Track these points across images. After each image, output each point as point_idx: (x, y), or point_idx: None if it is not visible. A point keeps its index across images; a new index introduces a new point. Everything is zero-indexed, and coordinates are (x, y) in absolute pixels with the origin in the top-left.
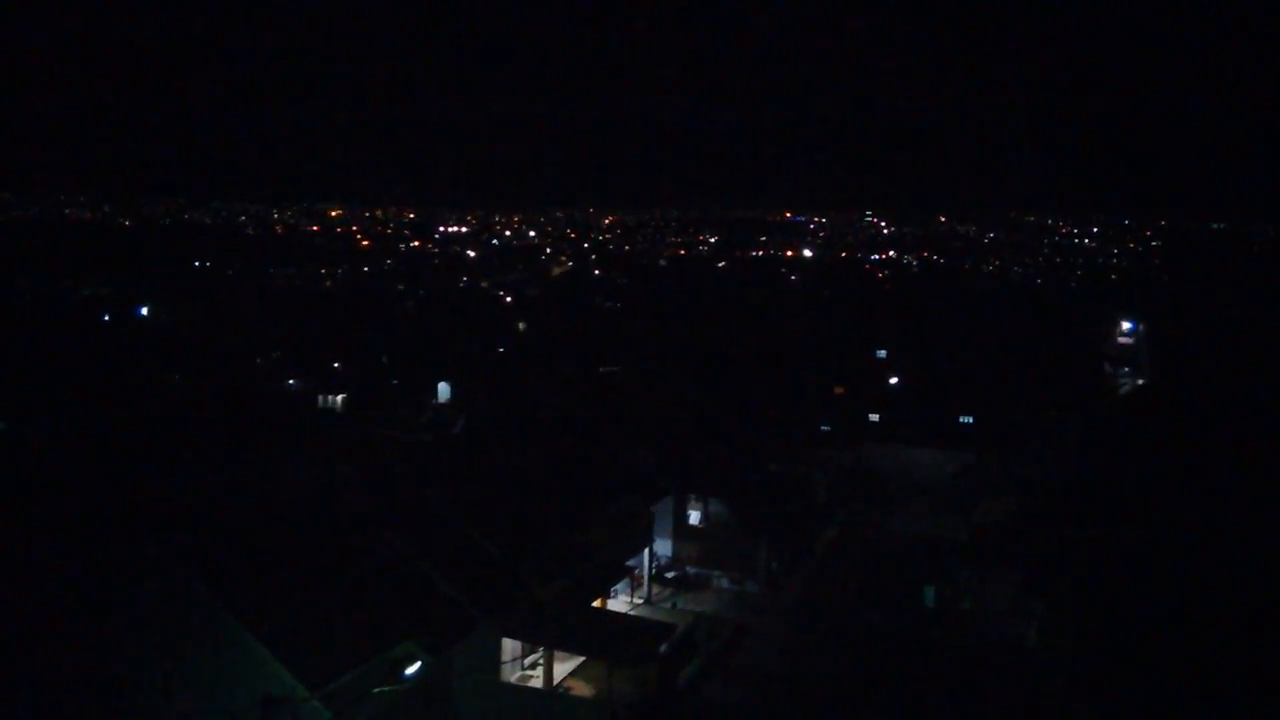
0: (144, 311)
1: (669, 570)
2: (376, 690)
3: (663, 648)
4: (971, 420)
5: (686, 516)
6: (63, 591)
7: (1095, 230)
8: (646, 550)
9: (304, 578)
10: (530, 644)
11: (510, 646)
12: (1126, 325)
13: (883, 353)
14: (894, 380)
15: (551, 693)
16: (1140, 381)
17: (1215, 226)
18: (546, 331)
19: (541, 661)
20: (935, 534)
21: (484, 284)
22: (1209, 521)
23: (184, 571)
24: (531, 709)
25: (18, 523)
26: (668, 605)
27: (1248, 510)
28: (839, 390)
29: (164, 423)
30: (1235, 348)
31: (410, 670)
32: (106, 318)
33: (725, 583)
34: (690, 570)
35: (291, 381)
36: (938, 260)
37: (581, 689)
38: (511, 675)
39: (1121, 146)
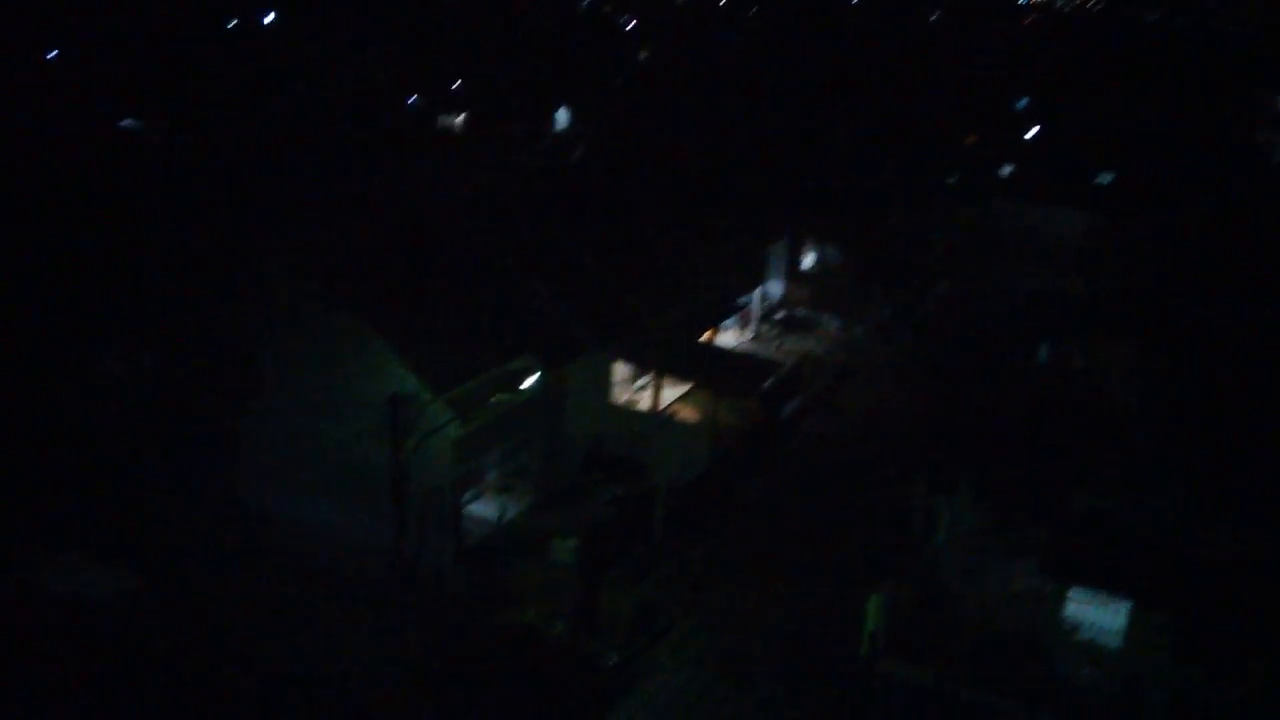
0: (268, 20)
1: (778, 311)
2: (495, 399)
3: (767, 382)
4: (1109, 180)
5: (800, 259)
6: (204, 281)
7: None
8: (758, 290)
9: (432, 292)
10: (640, 369)
11: (621, 370)
12: None
13: (1023, 102)
14: (1031, 133)
15: (658, 415)
16: None
17: None
18: (670, 62)
19: (650, 386)
20: (1057, 293)
21: (606, 8)
22: None
23: (319, 278)
24: (638, 428)
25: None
26: (775, 344)
27: None
28: (971, 140)
29: (288, 133)
30: None
31: (527, 383)
32: (231, 24)
33: (834, 326)
34: (799, 312)
35: (412, 99)
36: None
37: (687, 415)
38: (621, 397)
39: None
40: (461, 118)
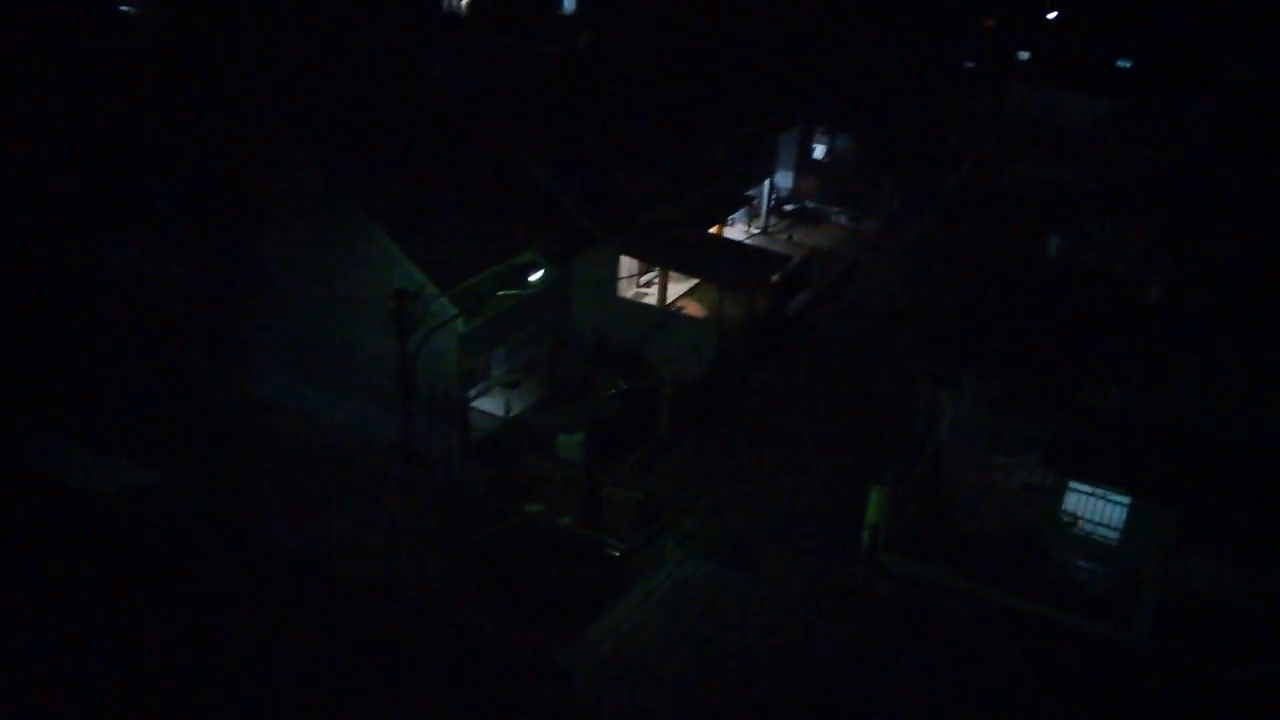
0: None
1: (788, 203)
2: (501, 293)
3: (775, 277)
4: (1130, 65)
5: (811, 150)
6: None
7: None
8: (767, 181)
9: (436, 184)
10: (646, 263)
11: (627, 264)
12: None
13: None
14: (1052, 15)
15: (664, 310)
16: None
17: None
18: None
19: (656, 281)
20: (1072, 183)
21: None
22: None
23: (322, 171)
24: (644, 323)
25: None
26: (784, 238)
27: None
28: (989, 23)
29: (290, 15)
30: None
31: (533, 277)
32: None
33: (844, 219)
34: (809, 205)
35: None
36: None
37: (693, 309)
38: (627, 292)
39: None
40: (465, 1)
